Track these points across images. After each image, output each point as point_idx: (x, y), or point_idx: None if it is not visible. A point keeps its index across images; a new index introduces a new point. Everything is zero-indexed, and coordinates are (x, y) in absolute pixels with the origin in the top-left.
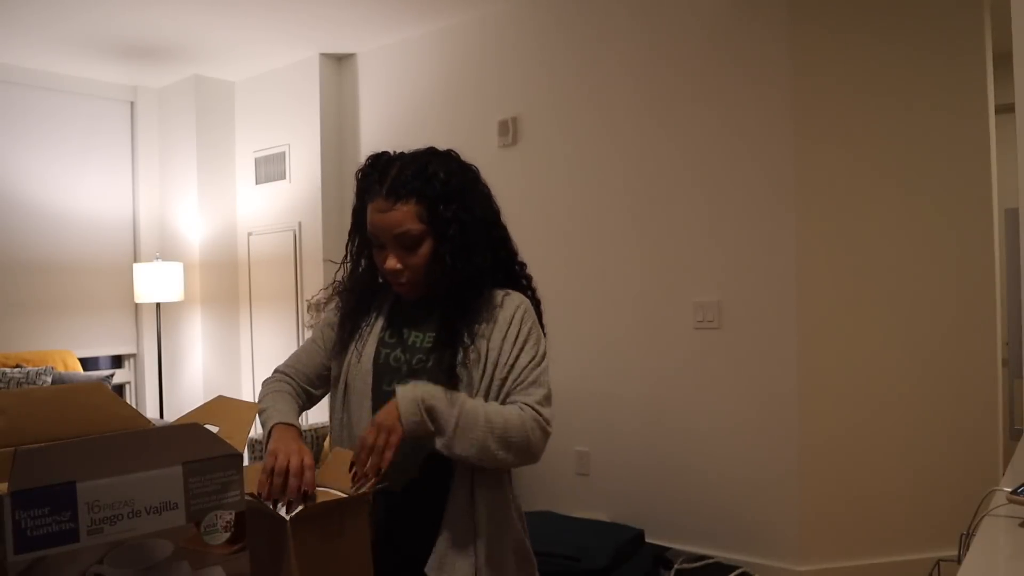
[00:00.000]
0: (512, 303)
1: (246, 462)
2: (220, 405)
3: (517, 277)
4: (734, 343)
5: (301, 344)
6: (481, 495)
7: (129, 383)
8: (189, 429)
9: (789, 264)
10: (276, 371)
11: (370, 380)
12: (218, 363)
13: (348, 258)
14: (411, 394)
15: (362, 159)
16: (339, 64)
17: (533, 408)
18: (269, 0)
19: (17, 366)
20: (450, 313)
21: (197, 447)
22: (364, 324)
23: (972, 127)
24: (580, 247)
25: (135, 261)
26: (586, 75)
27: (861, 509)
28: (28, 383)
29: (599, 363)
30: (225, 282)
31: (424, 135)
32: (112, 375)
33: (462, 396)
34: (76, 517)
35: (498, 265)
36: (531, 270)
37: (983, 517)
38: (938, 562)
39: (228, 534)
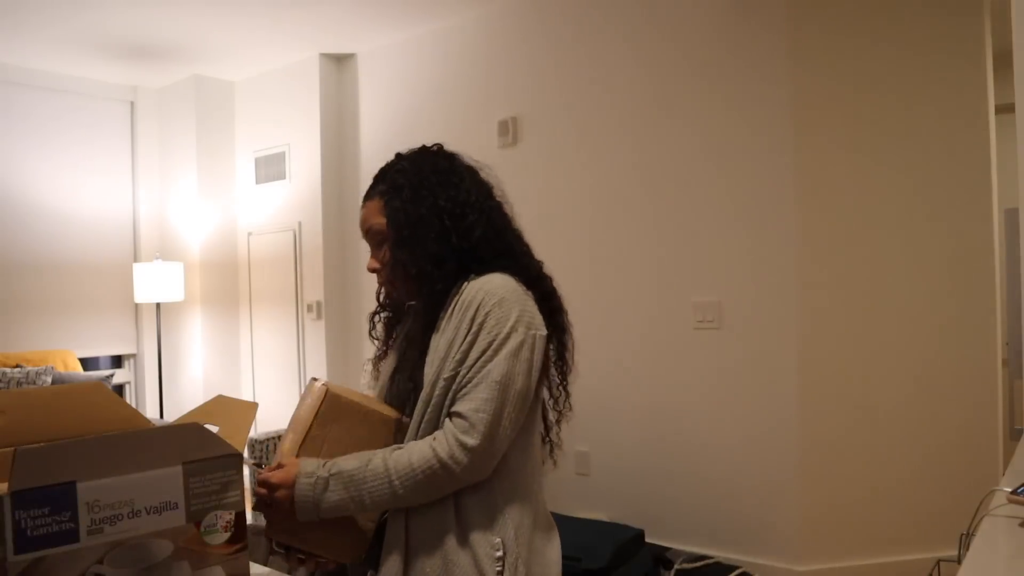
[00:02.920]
0: (471, 289)
1: (246, 462)
2: (220, 405)
3: (496, 265)
4: (734, 343)
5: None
6: (415, 522)
7: (129, 383)
8: (189, 429)
9: (789, 264)
10: None
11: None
12: (218, 363)
13: None
14: (309, 475)
15: (362, 159)
16: (339, 64)
17: (454, 421)
18: (269, 0)
19: (17, 366)
20: (415, 313)
21: (197, 447)
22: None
23: (972, 127)
24: (580, 247)
25: (135, 261)
26: (586, 75)
27: (861, 509)
28: (28, 383)
29: (599, 363)
30: (225, 282)
31: (424, 135)
32: (112, 375)
33: (370, 456)
34: (76, 517)
35: (466, 256)
36: None
37: (983, 517)
38: (938, 562)
39: (228, 534)
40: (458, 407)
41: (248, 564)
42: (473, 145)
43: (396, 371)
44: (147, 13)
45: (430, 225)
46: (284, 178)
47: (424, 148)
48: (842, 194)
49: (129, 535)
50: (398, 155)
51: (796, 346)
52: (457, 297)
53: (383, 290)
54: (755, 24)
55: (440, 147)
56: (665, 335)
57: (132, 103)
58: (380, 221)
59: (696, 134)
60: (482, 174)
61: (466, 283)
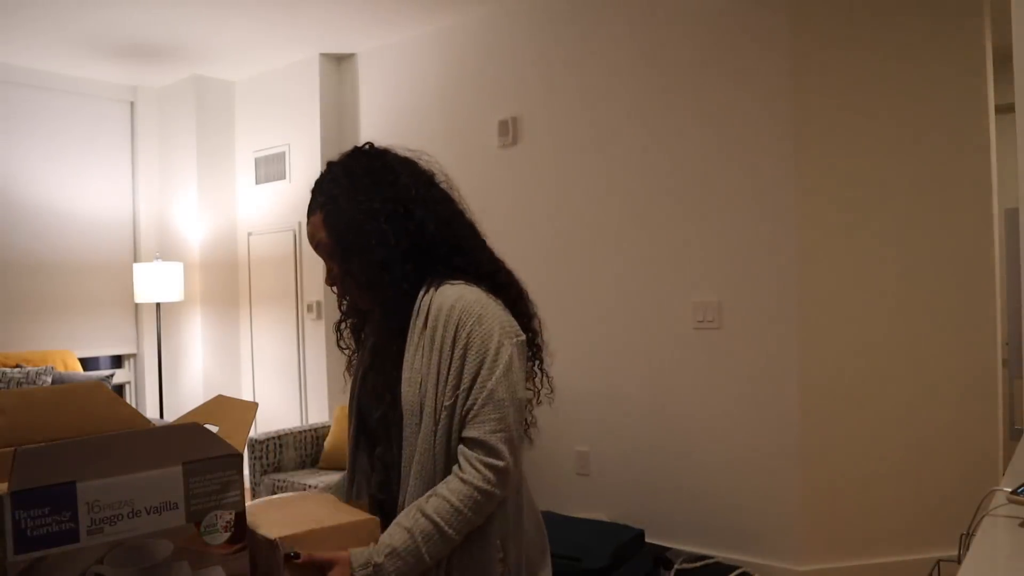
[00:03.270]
0: (442, 304)
1: (246, 462)
2: (220, 405)
3: (459, 266)
4: (734, 343)
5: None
6: None
7: (129, 383)
8: (189, 429)
9: (789, 264)
10: None
11: (355, 404)
12: (218, 363)
13: None
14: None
15: None
16: (339, 64)
17: (474, 449)
18: (269, 0)
19: (17, 366)
20: (377, 324)
21: (197, 447)
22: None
23: (972, 127)
24: (580, 247)
25: (135, 261)
26: (586, 75)
27: (861, 509)
28: (28, 383)
29: (599, 363)
30: (225, 282)
31: (424, 135)
32: (112, 375)
33: (411, 520)
34: (76, 517)
35: (417, 254)
36: (530, 270)
37: (983, 517)
38: (938, 562)
39: (228, 534)
40: (473, 432)
41: (248, 564)
42: (473, 145)
43: (366, 381)
44: (147, 13)
45: (371, 231)
46: (284, 178)
47: (355, 150)
48: (842, 194)
49: (129, 535)
50: (329, 163)
51: (796, 346)
52: (427, 307)
53: (344, 299)
54: (755, 25)
55: (371, 145)
56: (665, 335)
57: (132, 103)
58: (323, 235)
59: (696, 135)
60: (420, 164)
61: (433, 291)
